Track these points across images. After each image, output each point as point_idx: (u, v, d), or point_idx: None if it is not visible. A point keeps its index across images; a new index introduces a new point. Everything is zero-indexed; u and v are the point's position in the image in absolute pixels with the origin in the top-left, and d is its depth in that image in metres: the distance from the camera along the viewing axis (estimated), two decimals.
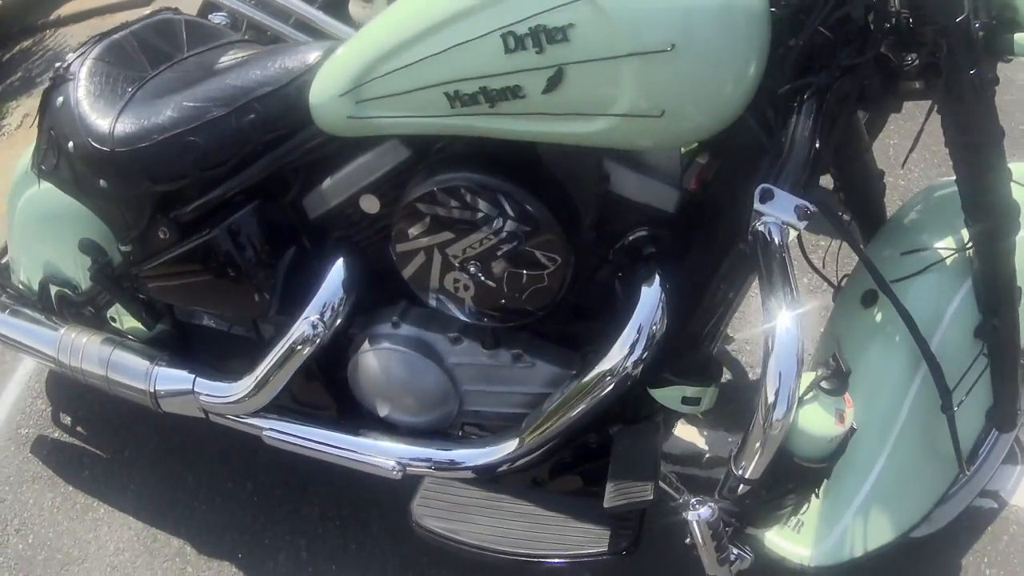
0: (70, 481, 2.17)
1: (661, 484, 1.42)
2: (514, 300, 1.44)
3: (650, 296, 1.38)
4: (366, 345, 1.59)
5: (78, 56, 1.71)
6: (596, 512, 1.45)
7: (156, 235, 1.63)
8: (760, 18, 1.15)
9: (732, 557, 1.37)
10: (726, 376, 2.07)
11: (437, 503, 1.51)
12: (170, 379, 1.80)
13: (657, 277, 1.39)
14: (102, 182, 1.59)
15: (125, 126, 1.56)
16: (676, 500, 1.44)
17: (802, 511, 1.43)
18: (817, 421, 1.27)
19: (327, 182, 1.52)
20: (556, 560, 1.42)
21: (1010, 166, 1.28)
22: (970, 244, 1.37)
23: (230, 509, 2.03)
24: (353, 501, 1.97)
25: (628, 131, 1.21)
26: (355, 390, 1.67)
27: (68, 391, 2.33)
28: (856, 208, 1.65)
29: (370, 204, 1.50)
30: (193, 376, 1.77)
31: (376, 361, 1.59)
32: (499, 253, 1.38)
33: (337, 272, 1.56)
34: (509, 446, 1.53)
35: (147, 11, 1.89)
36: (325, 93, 1.38)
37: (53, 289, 2.02)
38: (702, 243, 1.42)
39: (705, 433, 1.99)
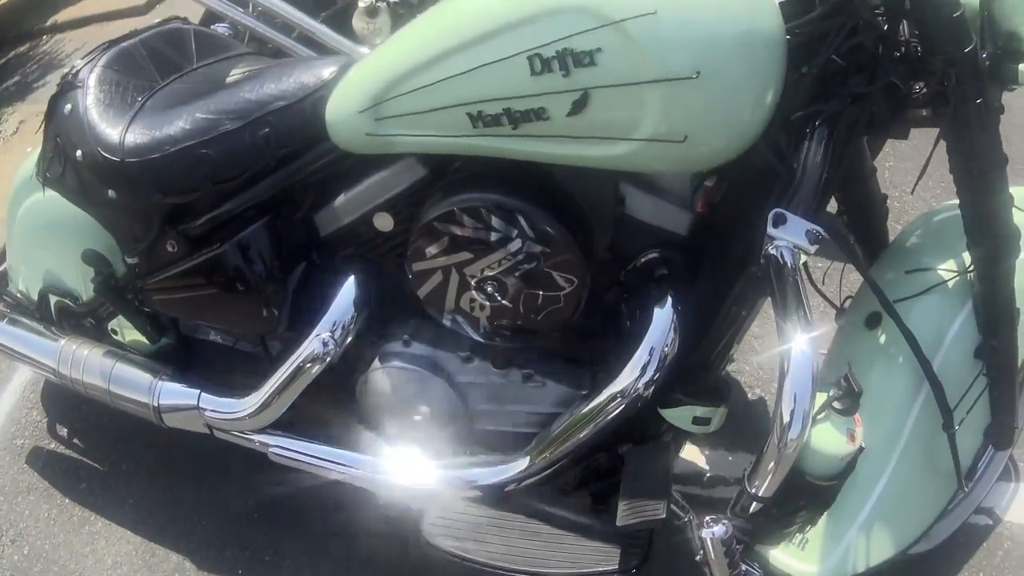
0: (67, 493, 2.15)
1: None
2: (529, 320, 1.44)
3: (662, 318, 1.39)
4: (376, 363, 1.58)
5: (87, 63, 1.69)
6: (605, 530, 1.47)
7: (164, 248, 1.62)
8: (778, 45, 1.18)
9: (743, 574, 1.38)
10: None
11: (447, 521, 1.52)
12: (174, 394, 1.78)
13: (669, 299, 1.40)
14: (111, 192, 1.58)
15: (136, 136, 1.55)
16: (681, 518, 1.45)
17: (808, 528, 1.45)
18: (829, 440, 1.30)
19: (340, 199, 1.51)
20: None
21: (1011, 191, 1.31)
22: (971, 267, 1.40)
23: (231, 525, 2.01)
24: (357, 518, 1.94)
25: (649, 155, 1.22)
26: (364, 407, 1.66)
27: (64, 402, 2.30)
28: (859, 231, 1.67)
29: (384, 222, 1.50)
30: (198, 391, 1.76)
31: (387, 379, 1.58)
32: (517, 273, 1.39)
33: (348, 289, 1.55)
34: (519, 465, 1.53)
35: (155, 20, 1.88)
36: (343, 110, 1.37)
37: (53, 299, 2.00)
38: (712, 265, 1.44)
39: (705, 452, 2.01)
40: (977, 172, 1.28)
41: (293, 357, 1.58)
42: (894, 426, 1.47)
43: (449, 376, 1.56)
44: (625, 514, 1.40)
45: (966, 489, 1.53)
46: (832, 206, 1.63)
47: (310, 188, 1.53)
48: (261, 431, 1.71)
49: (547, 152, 1.25)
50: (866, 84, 1.23)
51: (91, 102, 1.62)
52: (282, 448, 1.70)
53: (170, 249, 1.61)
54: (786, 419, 1.25)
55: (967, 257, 1.40)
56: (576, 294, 1.39)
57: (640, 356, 1.39)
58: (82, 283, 1.90)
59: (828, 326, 1.65)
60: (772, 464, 1.29)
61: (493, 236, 1.36)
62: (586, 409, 1.45)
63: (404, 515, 1.70)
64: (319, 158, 1.45)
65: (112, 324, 1.94)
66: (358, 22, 2.32)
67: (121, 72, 1.70)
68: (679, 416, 1.50)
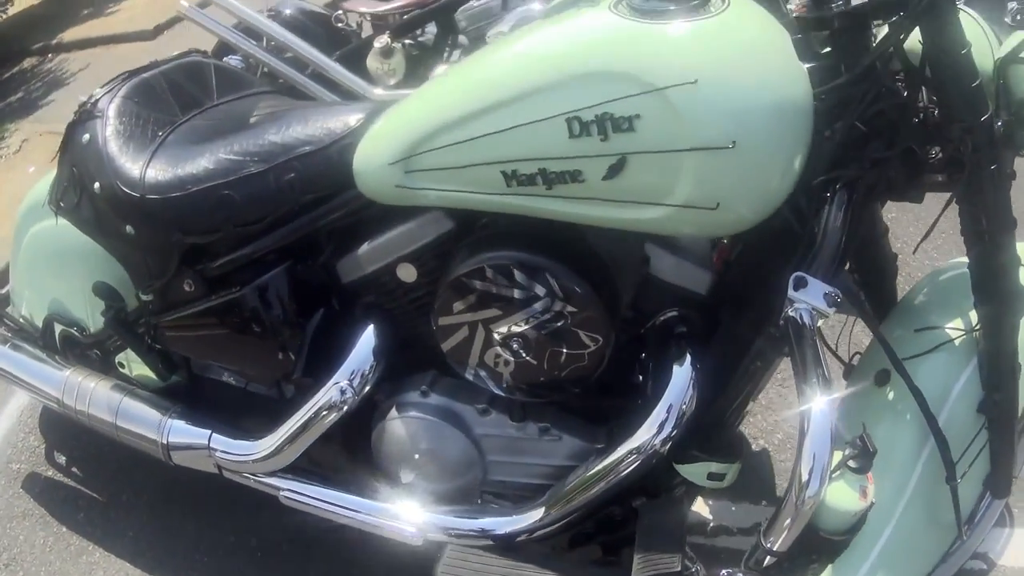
0: (64, 521, 2.13)
1: None
2: (552, 377, 1.44)
3: (681, 376, 1.40)
4: (393, 412, 1.58)
5: (106, 92, 1.68)
6: None
7: (180, 287, 1.59)
8: (807, 113, 1.19)
9: None
10: None
11: (460, 570, 1.51)
12: (184, 432, 1.77)
13: (688, 357, 1.41)
14: (128, 228, 1.56)
15: (157, 172, 1.54)
16: (690, 569, 1.46)
17: None
18: (843, 497, 1.32)
19: (364, 247, 1.50)
20: None
21: (1019, 250, 1.33)
22: (977, 325, 1.42)
23: (232, 563, 2.00)
24: (362, 562, 1.93)
25: (680, 220, 1.22)
26: (379, 455, 1.65)
27: (62, 429, 2.29)
28: (870, 289, 1.69)
29: (407, 273, 1.49)
30: (209, 431, 1.74)
31: (404, 429, 1.58)
32: (543, 331, 1.38)
33: (368, 338, 1.54)
34: (533, 516, 1.53)
35: (161, 45, 1.87)
36: (373, 160, 1.37)
37: (58, 328, 1.98)
38: (730, 324, 1.44)
39: (710, 502, 2.01)
40: (988, 235, 1.30)
41: (311, 403, 1.56)
42: (900, 480, 1.48)
43: (466, 428, 1.56)
44: (640, 567, 1.40)
45: (965, 537, 1.56)
46: None
47: (333, 235, 1.52)
48: (272, 474, 1.69)
49: (580, 213, 1.25)
50: (885, 149, 1.25)
51: (111, 133, 1.61)
52: (294, 492, 1.68)
53: (187, 289, 1.59)
54: (804, 477, 1.26)
55: (973, 316, 1.42)
56: (600, 352, 1.39)
57: (658, 413, 1.40)
58: (90, 314, 1.89)
59: (838, 382, 1.67)
60: (789, 520, 1.30)
61: (521, 294, 1.36)
62: (602, 464, 1.45)
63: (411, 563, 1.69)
64: (343, 206, 1.44)
65: (120, 357, 1.92)
66: (372, 62, 2.33)
67: (141, 104, 1.68)
68: (694, 472, 1.50)
